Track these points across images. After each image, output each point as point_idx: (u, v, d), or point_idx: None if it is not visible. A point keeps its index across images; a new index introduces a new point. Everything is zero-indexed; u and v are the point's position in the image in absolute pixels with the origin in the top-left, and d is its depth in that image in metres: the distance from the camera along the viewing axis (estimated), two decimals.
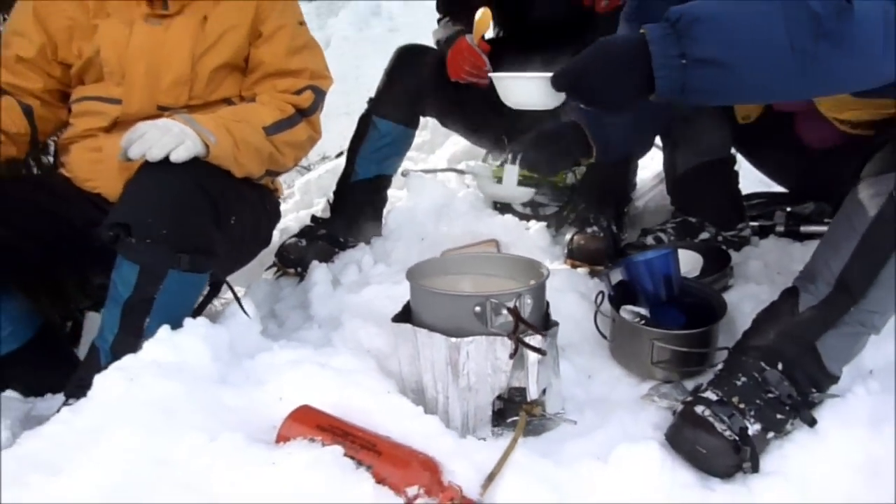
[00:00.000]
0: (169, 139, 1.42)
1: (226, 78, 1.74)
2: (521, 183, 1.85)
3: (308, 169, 3.45)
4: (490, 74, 1.31)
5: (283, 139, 1.69)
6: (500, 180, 1.98)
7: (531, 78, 1.20)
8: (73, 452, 1.12)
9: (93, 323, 2.26)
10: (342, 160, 3.31)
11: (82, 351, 1.90)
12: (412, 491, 1.00)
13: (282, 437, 1.10)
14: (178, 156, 1.42)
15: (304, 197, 3.15)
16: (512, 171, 1.44)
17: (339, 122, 3.92)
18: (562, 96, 1.17)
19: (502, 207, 2.09)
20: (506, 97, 1.28)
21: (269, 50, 1.75)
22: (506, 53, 1.99)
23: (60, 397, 1.61)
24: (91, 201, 1.73)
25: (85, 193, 1.74)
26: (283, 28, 1.76)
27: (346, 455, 1.03)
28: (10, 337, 1.68)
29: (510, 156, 1.47)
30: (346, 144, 3.41)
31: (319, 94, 1.81)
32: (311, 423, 1.10)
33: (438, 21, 2.19)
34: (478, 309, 1.20)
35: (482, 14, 1.84)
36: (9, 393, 1.64)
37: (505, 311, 1.19)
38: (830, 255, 1.23)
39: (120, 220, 1.42)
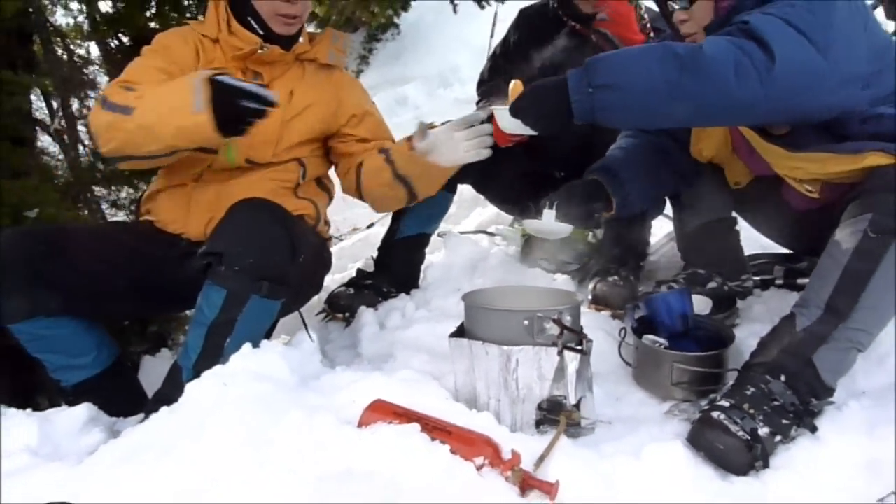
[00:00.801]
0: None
1: (303, 143, 2.03)
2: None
3: (340, 239, 3.72)
4: (492, 108, 1.69)
5: None
6: (526, 238, 2.23)
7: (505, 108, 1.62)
8: (180, 439, 1.31)
9: (148, 365, 2.47)
10: (372, 231, 3.62)
11: None
12: (479, 461, 1.19)
13: (363, 424, 1.29)
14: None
15: (337, 263, 3.40)
16: (549, 214, 1.71)
17: None
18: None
19: (530, 263, 2.34)
20: (500, 124, 1.67)
21: (368, 127, 2.11)
22: None
23: (134, 419, 1.81)
24: (170, 242, 1.95)
25: (166, 235, 1.96)
26: (369, 110, 2.14)
27: (422, 432, 1.22)
28: (93, 363, 1.88)
29: (548, 202, 1.74)
30: (374, 216, 3.73)
31: None
32: (387, 411, 1.30)
33: (477, 103, 2.52)
34: (526, 322, 1.42)
35: (515, 85, 2.17)
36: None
37: (549, 325, 1.41)
38: (820, 285, 1.47)
39: (214, 249, 1.66)
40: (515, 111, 1.59)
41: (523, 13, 2.51)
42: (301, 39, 2.02)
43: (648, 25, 2.32)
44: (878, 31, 1.56)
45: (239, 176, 1.95)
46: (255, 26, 1.93)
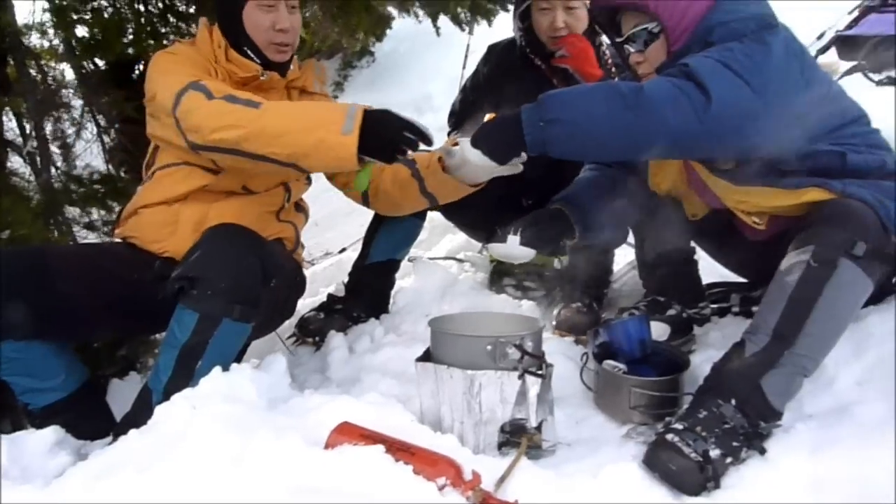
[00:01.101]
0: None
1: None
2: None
3: (312, 263, 3.75)
4: (457, 139, 1.75)
5: None
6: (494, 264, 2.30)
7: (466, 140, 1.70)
8: (150, 459, 1.33)
9: (116, 388, 2.46)
10: (344, 255, 3.65)
11: None
12: (441, 481, 1.23)
13: (329, 445, 1.33)
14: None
15: (308, 287, 3.41)
16: (513, 239, 1.79)
17: (339, 222, 4.30)
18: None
19: (497, 289, 2.40)
20: (463, 155, 1.73)
21: None
22: None
23: (102, 443, 1.81)
24: (145, 264, 1.93)
25: (141, 256, 1.96)
26: None
27: (386, 453, 1.26)
28: (61, 386, 1.88)
29: (512, 228, 1.81)
30: (347, 242, 3.77)
31: None
32: (354, 433, 1.34)
33: (448, 134, 2.60)
34: (489, 348, 1.48)
35: (490, 118, 2.25)
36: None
37: (511, 350, 1.47)
38: (768, 312, 1.55)
39: (187, 274, 1.70)
40: (475, 142, 1.67)
41: (492, 49, 2.61)
42: (292, 66, 2.08)
43: (610, 62, 2.42)
44: (816, 73, 1.67)
45: (224, 199, 1.97)
46: (251, 54, 1.97)
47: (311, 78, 2.14)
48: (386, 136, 1.65)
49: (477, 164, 1.69)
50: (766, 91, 1.50)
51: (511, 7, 2.55)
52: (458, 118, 2.59)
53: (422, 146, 1.68)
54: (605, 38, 2.35)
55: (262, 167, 1.76)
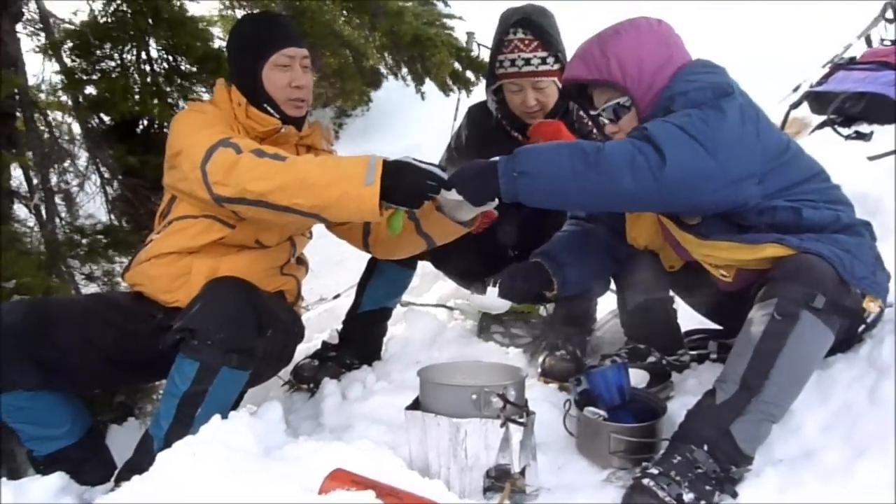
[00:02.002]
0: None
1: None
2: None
3: (307, 309, 3.83)
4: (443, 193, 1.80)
5: None
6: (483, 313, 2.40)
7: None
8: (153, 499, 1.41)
9: (114, 434, 2.52)
10: (337, 302, 3.74)
11: None
12: None
13: (323, 491, 1.41)
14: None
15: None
16: (492, 291, 1.90)
17: (334, 269, 4.39)
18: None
19: (485, 336, 2.50)
20: (441, 197, 1.81)
21: None
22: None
23: (104, 488, 1.88)
24: (148, 314, 2.03)
25: (145, 306, 2.05)
26: None
27: (376, 498, 1.34)
28: (66, 434, 1.95)
29: (493, 280, 1.93)
30: (340, 289, 3.87)
31: None
32: (346, 479, 1.42)
33: None
34: (474, 397, 1.57)
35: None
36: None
37: (495, 399, 1.56)
38: (736, 362, 1.65)
39: (187, 325, 1.79)
40: (452, 182, 1.78)
41: (470, 112, 2.73)
42: (307, 122, 2.21)
43: (584, 119, 2.50)
44: (772, 134, 1.81)
45: (235, 253, 2.06)
46: (271, 110, 2.10)
47: (318, 137, 2.27)
48: (411, 184, 1.77)
49: (457, 202, 1.79)
50: (720, 152, 1.63)
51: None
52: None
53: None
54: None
55: (284, 218, 1.87)
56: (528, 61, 2.41)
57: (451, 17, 3.43)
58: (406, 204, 1.81)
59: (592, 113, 1.97)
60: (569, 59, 2.01)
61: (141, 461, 1.75)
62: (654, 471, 1.58)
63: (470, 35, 5.75)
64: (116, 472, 1.90)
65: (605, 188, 1.66)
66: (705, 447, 1.60)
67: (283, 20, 2.25)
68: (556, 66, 2.41)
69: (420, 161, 1.82)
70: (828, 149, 2.99)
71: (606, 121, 1.92)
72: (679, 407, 1.98)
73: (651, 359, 2.23)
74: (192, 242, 2.02)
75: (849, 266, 1.68)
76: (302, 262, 2.34)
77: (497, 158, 1.73)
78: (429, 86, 3.29)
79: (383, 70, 3.40)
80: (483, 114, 2.65)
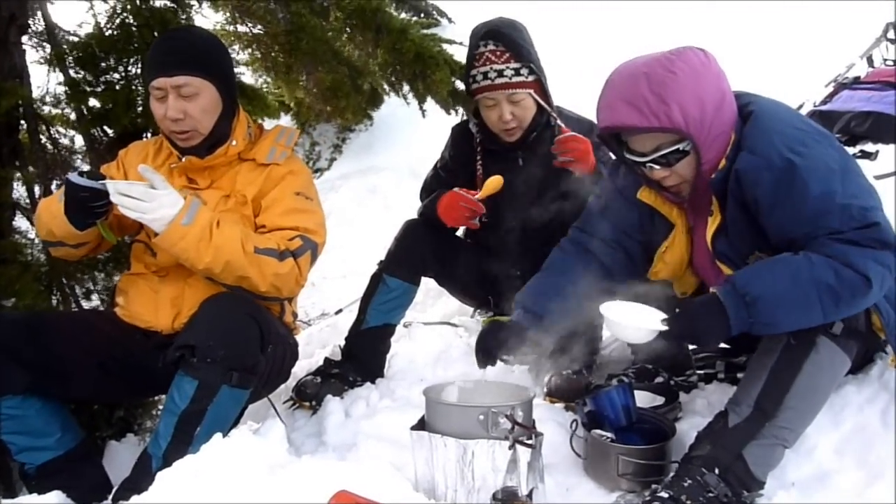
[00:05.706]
0: (147, 206, 1.77)
1: None
2: None
3: (309, 324, 3.80)
4: (602, 311, 1.76)
5: (267, 263, 1.89)
6: None
7: (638, 328, 1.71)
8: None
9: (113, 450, 2.48)
10: (340, 317, 3.71)
11: None
12: None
13: None
14: (137, 217, 1.78)
15: (305, 348, 3.47)
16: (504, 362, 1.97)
17: (336, 284, 4.37)
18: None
19: None
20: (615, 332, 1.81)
21: (267, 215, 2.04)
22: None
23: None
24: (144, 332, 2.04)
25: (134, 326, 2.05)
26: (278, 199, 2.05)
27: None
28: (56, 444, 1.94)
29: (501, 354, 1.96)
30: (343, 303, 3.84)
31: (307, 242, 2.01)
32: (350, 501, 1.39)
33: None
34: (481, 417, 1.54)
35: (495, 179, 2.34)
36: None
37: (503, 420, 1.53)
38: (750, 385, 1.63)
39: (187, 342, 1.77)
40: (672, 336, 1.69)
41: (453, 133, 2.70)
42: (234, 142, 2.07)
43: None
44: None
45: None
46: (172, 141, 2.07)
47: (265, 149, 2.11)
48: (73, 199, 1.88)
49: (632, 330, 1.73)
50: None
51: None
52: (430, 194, 2.63)
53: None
54: (555, 114, 2.44)
55: (83, 251, 2.11)
56: (500, 73, 2.35)
57: (451, 42, 3.40)
58: (75, 224, 1.92)
59: (643, 160, 1.75)
60: (604, 103, 1.75)
61: (139, 480, 1.73)
62: (665, 494, 1.55)
63: None
64: (114, 490, 1.86)
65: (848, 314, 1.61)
66: (717, 471, 1.57)
67: (164, 45, 2.04)
68: (532, 78, 2.37)
69: (80, 176, 1.87)
70: None
71: (657, 166, 1.75)
72: (688, 428, 1.95)
73: (659, 379, 2.20)
74: (148, 263, 2.08)
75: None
76: None
77: (714, 291, 1.62)
78: (431, 102, 3.29)
79: (385, 87, 3.38)
80: (464, 135, 2.62)
